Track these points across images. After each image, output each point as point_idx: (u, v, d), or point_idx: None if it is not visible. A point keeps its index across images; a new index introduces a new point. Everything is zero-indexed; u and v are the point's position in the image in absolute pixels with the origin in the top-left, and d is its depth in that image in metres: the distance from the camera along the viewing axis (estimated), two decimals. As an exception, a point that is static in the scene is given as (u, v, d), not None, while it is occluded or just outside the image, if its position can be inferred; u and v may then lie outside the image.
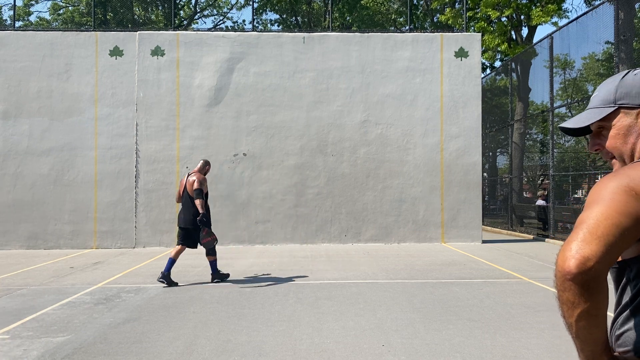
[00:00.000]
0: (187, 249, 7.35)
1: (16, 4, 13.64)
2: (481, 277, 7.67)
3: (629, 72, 1.22)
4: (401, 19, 27.44)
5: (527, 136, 18.85)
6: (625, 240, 1.01)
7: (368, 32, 12.76)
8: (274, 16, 31.06)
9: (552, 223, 13.36)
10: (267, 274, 8.02)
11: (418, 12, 26.38)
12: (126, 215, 11.97)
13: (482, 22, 18.84)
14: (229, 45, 12.28)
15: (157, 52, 12.18)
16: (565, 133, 1.34)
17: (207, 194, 7.34)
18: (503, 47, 18.32)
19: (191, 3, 32.39)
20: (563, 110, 20.60)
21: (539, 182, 17.90)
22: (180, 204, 7.46)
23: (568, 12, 40.77)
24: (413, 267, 8.65)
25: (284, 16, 30.34)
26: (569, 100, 19.93)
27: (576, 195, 23.70)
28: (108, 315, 5.46)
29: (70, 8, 30.22)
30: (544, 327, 4.88)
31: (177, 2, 29.39)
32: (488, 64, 24.08)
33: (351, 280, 7.47)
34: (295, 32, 12.77)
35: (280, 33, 12.72)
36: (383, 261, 9.36)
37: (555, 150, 13.72)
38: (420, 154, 12.36)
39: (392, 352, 4.18)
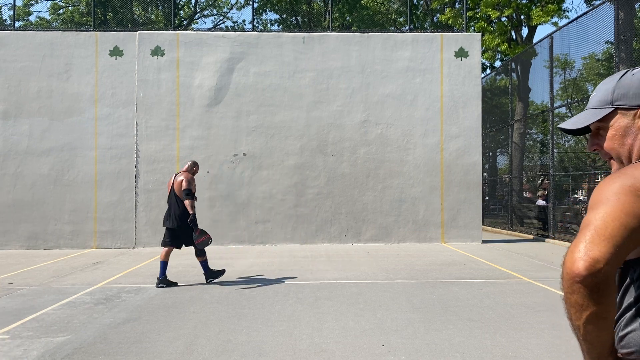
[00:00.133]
0: (174, 249, 7.22)
1: (16, 4, 13.64)
2: (481, 277, 7.67)
3: (627, 72, 1.21)
4: (401, 19, 27.44)
5: (527, 136, 18.85)
6: (633, 241, 1.00)
7: (368, 32, 12.76)
8: (274, 16, 31.09)
9: (552, 223, 13.36)
10: (267, 274, 8.02)
11: (418, 12, 26.38)
12: (126, 215, 11.97)
13: (482, 22, 18.85)
14: (229, 45, 12.29)
15: (157, 52, 12.18)
16: (565, 133, 1.33)
17: (194, 194, 7.22)
18: (503, 47, 18.32)
19: (191, 3, 32.39)
20: (563, 110, 20.59)
21: (539, 182, 17.90)
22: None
23: (568, 12, 40.80)
24: (413, 267, 8.65)
25: (284, 16, 30.34)
26: (569, 100, 19.93)
27: (575, 196, 23.68)
28: (108, 315, 5.46)
29: (70, 8, 30.22)
30: (544, 327, 4.88)
31: (177, 2, 29.39)
32: (488, 64, 24.09)
33: (351, 280, 7.47)
34: (295, 32, 12.77)
35: (280, 33, 12.72)
36: (383, 261, 9.36)
37: (555, 150, 13.72)
38: (420, 154, 12.36)
39: (392, 352, 4.18)
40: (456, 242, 12.24)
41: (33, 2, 30.47)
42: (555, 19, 21.87)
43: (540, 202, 14.87)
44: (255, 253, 10.77)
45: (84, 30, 12.49)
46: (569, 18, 21.87)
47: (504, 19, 18.93)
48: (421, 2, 26.25)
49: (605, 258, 0.97)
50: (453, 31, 18.01)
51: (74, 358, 4.09)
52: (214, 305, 5.90)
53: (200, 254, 7.21)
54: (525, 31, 19.55)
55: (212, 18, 36.94)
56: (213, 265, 9.10)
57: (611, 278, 0.98)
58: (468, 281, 7.30)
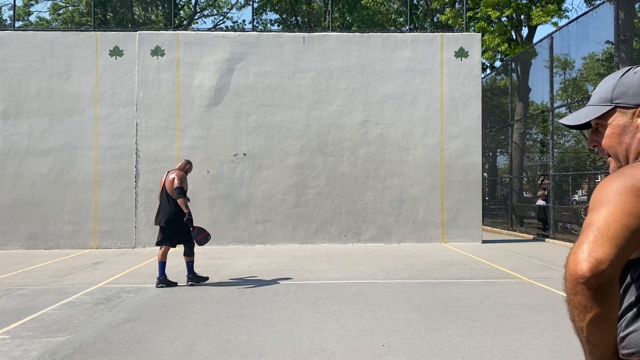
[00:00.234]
0: (172, 248, 7.16)
1: (16, 4, 13.64)
2: (481, 277, 7.67)
3: (629, 69, 1.19)
4: (401, 19, 27.44)
5: (527, 136, 18.85)
6: (635, 241, 1.00)
7: (368, 32, 12.76)
8: (274, 16, 31.09)
9: (552, 223, 13.37)
10: (267, 274, 8.02)
11: (418, 12, 26.38)
12: (126, 215, 11.97)
13: (482, 22, 18.85)
14: (229, 45, 12.29)
15: (157, 52, 12.18)
16: (567, 127, 1.33)
17: (186, 192, 7.08)
18: (503, 47, 18.32)
19: (191, 3, 32.39)
20: (563, 110, 20.57)
21: (539, 182, 17.90)
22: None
23: (568, 12, 40.81)
24: (413, 267, 8.65)
25: (284, 16, 30.34)
26: (569, 100, 19.93)
27: (575, 198, 23.66)
28: (108, 315, 5.46)
29: (70, 8, 30.22)
30: (544, 327, 4.88)
31: (177, 2, 29.39)
32: (488, 64, 24.09)
33: (351, 280, 7.47)
34: (295, 32, 12.77)
35: (280, 33, 12.72)
36: (383, 261, 9.36)
37: (555, 150, 13.73)
38: (420, 154, 12.36)
39: (392, 352, 4.18)
40: (456, 242, 12.24)
41: (33, 2, 30.47)
42: (555, 19, 21.85)
43: (540, 202, 14.87)
44: (255, 253, 10.77)
45: (84, 30, 12.49)
46: (569, 18, 21.88)
47: (504, 19, 18.93)
48: (421, 2, 26.25)
49: (608, 259, 0.96)
50: (453, 31, 18.01)
51: (74, 358, 4.09)
52: (214, 305, 5.90)
53: (189, 253, 7.06)
54: (525, 31, 19.56)
55: (212, 18, 36.95)
56: (213, 265, 9.11)
57: (614, 279, 0.97)
58: (468, 281, 7.30)
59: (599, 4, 11.64)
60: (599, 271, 0.96)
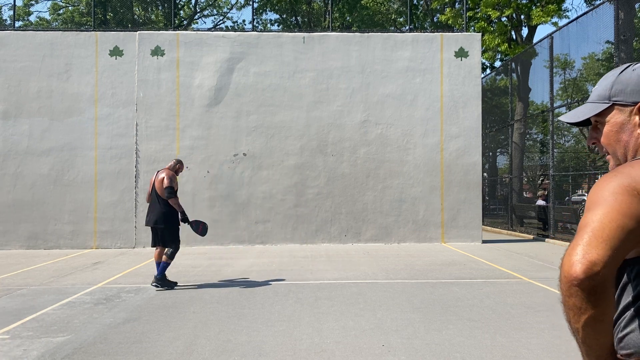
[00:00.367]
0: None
1: (16, 4, 13.64)
2: (481, 277, 7.67)
3: (628, 66, 1.19)
4: (401, 19, 27.44)
5: (527, 136, 18.85)
6: (630, 242, 0.99)
7: (368, 32, 12.76)
8: (274, 16, 31.09)
9: (552, 223, 13.37)
10: (267, 274, 8.02)
11: (418, 12, 26.38)
12: (126, 215, 11.97)
13: (482, 22, 18.85)
14: (229, 45, 12.28)
15: (157, 52, 12.18)
16: (567, 124, 1.33)
17: (176, 192, 6.98)
18: (503, 47, 18.32)
19: (191, 3, 32.40)
20: (563, 110, 20.58)
21: (539, 182, 17.90)
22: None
23: (568, 12, 40.82)
24: (413, 267, 8.65)
25: (284, 16, 30.34)
26: (569, 100, 19.93)
27: (574, 199, 23.63)
28: (108, 315, 5.45)
29: (70, 8, 30.22)
30: (544, 327, 4.88)
31: (177, 2, 29.39)
32: (488, 64, 24.09)
33: (351, 280, 7.47)
34: (295, 32, 12.77)
35: (280, 33, 12.72)
36: (383, 261, 9.36)
37: (555, 150, 13.73)
38: (420, 154, 12.36)
39: (392, 352, 4.18)
40: (456, 242, 12.24)
41: (33, 2, 30.47)
42: (555, 19, 21.89)
43: (540, 202, 14.87)
44: (255, 253, 10.77)
45: (84, 30, 12.49)
46: (569, 18, 21.89)
47: (504, 19, 18.93)
48: (421, 2, 26.26)
49: (603, 261, 0.95)
50: (453, 31, 18.01)
51: (74, 358, 4.09)
52: (214, 305, 5.90)
53: (170, 256, 6.86)
54: (525, 31, 19.55)
55: (212, 18, 36.94)
56: (213, 265, 9.12)
57: (609, 281, 0.97)
58: (468, 281, 7.30)
59: (599, 4, 11.64)
60: (593, 273, 0.95)
